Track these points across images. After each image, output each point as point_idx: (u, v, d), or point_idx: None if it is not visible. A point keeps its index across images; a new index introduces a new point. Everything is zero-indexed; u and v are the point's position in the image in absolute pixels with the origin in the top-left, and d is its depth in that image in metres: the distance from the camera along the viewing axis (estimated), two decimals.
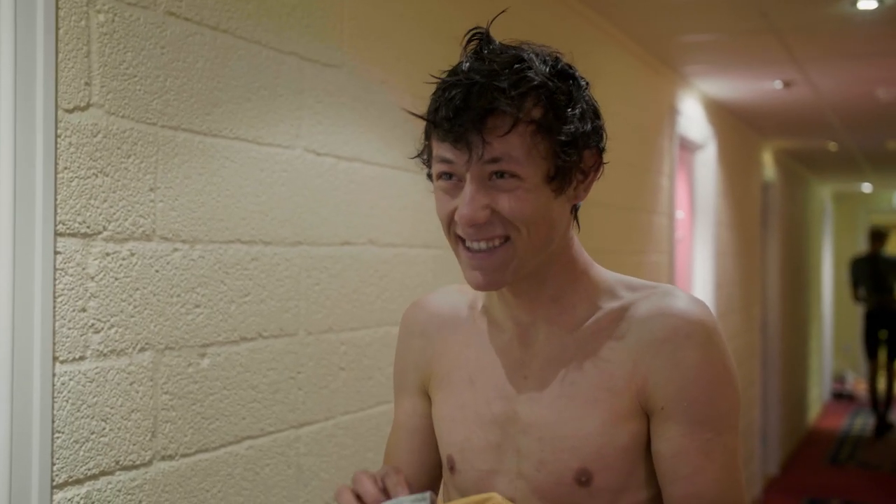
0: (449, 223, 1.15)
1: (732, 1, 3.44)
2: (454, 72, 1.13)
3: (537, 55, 1.14)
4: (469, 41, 1.16)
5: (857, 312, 12.25)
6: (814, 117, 5.95)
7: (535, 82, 1.10)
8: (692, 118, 4.90)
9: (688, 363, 1.14)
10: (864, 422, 9.79)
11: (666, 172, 4.49)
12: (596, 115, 1.17)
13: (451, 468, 1.26)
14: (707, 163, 5.28)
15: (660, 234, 4.41)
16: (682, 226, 5.01)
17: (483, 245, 1.13)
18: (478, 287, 1.17)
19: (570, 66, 1.16)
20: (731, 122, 5.91)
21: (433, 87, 1.15)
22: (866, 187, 11.70)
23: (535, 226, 1.13)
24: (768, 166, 7.25)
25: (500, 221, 1.12)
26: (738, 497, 1.16)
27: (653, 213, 4.32)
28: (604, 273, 1.24)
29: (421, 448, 1.33)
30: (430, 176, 1.18)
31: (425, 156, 1.19)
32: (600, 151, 1.18)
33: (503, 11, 1.21)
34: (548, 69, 1.12)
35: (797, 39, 3.98)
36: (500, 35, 1.17)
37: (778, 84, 4.90)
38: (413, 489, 1.10)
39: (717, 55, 4.42)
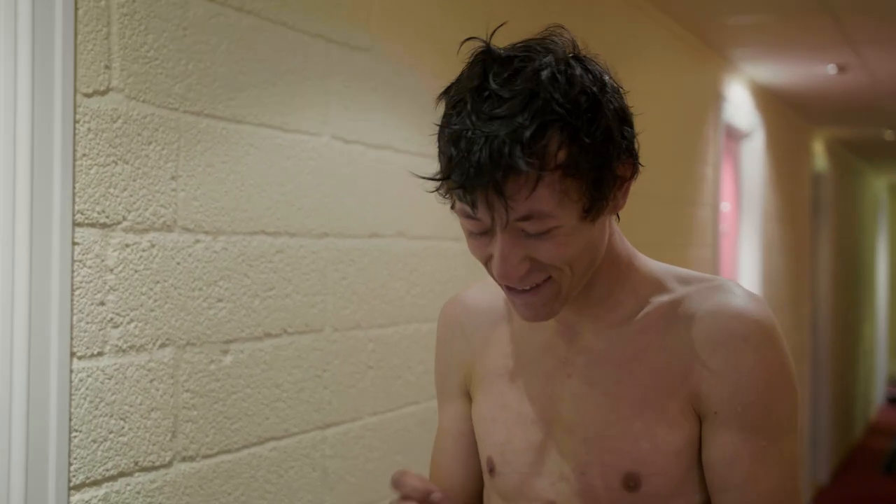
0: (485, 263, 1.11)
1: None
2: (459, 108, 1.03)
3: (548, 69, 1.03)
4: (471, 60, 1.08)
5: None
6: (869, 104, 5.88)
7: (558, 123, 1.02)
8: (739, 105, 4.86)
9: (744, 367, 1.13)
10: None
11: (710, 162, 4.46)
12: (623, 119, 1.10)
13: (491, 470, 1.25)
14: (754, 152, 5.24)
15: (703, 227, 4.38)
16: (727, 218, 4.98)
17: (527, 286, 1.11)
18: (529, 321, 1.16)
19: (585, 65, 1.07)
20: (780, 109, 5.85)
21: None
22: None
23: (579, 261, 1.11)
24: (819, 156, 7.18)
25: (541, 267, 1.08)
26: None
27: (696, 205, 4.29)
28: (650, 264, 1.23)
29: (467, 453, 1.33)
30: (452, 206, 1.11)
31: (443, 190, 1.09)
32: (634, 157, 1.12)
33: (503, 25, 1.12)
34: (564, 92, 1.03)
35: (854, 20, 3.93)
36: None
37: (832, 68, 4.85)
38: None
39: (767, 37, 4.37)
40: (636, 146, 1.12)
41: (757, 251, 5.21)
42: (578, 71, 1.05)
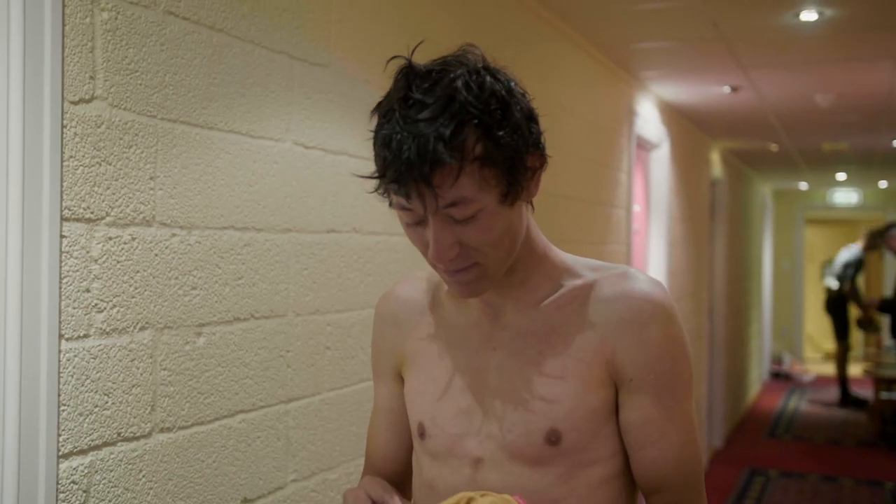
0: (425, 253, 1.14)
1: (686, 10, 3.45)
2: (388, 116, 1.06)
3: (463, 79, 1.06)
4: (396, 75, 1.10)
5: (795, 299, 12.41)
6: (757, 120, 5.99)
7: (474, 121, 1.04)
8: (648, 119, 4.92)
9: (653, 340, 1.17)
10: (798, 399, 9.92)
11: (624, 169, 4.51)
12: (530, 118, 1.12)
13: (422, 434, 1.27)
14: (661, 161, 5.31)
15: (618, 225, 4.43)
16: (638, 219, 5.04)
17: (457, 268, 1.13)
18: (463, 296, 1.19)
19: (495, 75, 1.09)
20: (683, 123, 5.94)
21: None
22: (803, 185, 11.83)
23: (501, 244, 1.13)
24: (716, 164, 7.30)
25: (468, 252, 1.11)
26: (696, 454, 1.21)
27: (612, 206, 4.34)
28: (562, 254, 1.27)
29: (398, 428, 1.36)
30: (391, 204, 1.15)
31: (381, 190, 1.13)
32: (542, 150, 1.15)
33: (421, 42, 1.14)
34: (476, 96, 1.05)
35: (744, 47, 4.00)
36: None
37: (726, 89, 4.93)
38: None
39: (671, 61, 4.43)
40: (543, 141, 1.15)
41: (663, 247, 5.28)
42: (488, 79, 1.09)
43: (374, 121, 1.12)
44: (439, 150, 1.02)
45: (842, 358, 9.48)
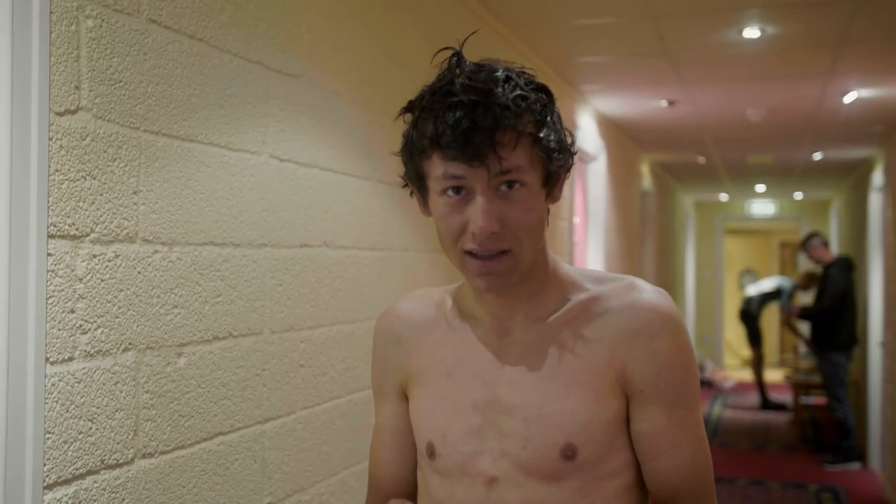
0: (456, 238, 1.13)
1: (632, 25, 3.51)
2: (446, 90, 1.10)
3: (512, 71, 1.13)
4: (448, 62, 1.13)
5: (715, 307, 12.74)
6: (690, 133, 6.14)
7: (530, 98, 1.10)
8: (587, 132, 4.98)
9: (662, 351, 1.18)
10: (721, 405, 10.17)
11: (567, 181, 4.55)
12: (561, 121, 1.18)
13: (432, 453, 1.24)
14: (598, 173, 5.38)
15: (561, 237, 4.47)
16: (577, 230, 5.09)
17: (493, 249, 1.13)
18: (484, 292, 1.18)
19: (530, 76, 1.16)
20: (618, 135, 6.04)
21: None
22: (723, 197, 12.16)
23: (535, 232, 1.15)
24: (646, 177, 7.45)
25: (505, 235, 1.12)
26: (707, 460, 1.22)
27: (556, 218, 4.37)
28: (567, 268, 1.27)
29: (402, 447, 1.33)
30: (412, 193, 1.18)
31: (413, 173, 1.16)
32: (573, 154, 1.19)
33: (474, 32, 1.20)
34: (523, 84, 1.11)
35: (686, 62, 4.09)
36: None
37: (663, 102, 5.03)
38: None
39: (612, 75, 4.50)
40: (576, 147, 1.19)
41: (601, 257, 5.35)
42: (535, 78, 1.15)
43: (403, 120, 1.14)
44: (502, 114, 1.06)
45: (758, 365, 9.76)
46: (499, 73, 1.10)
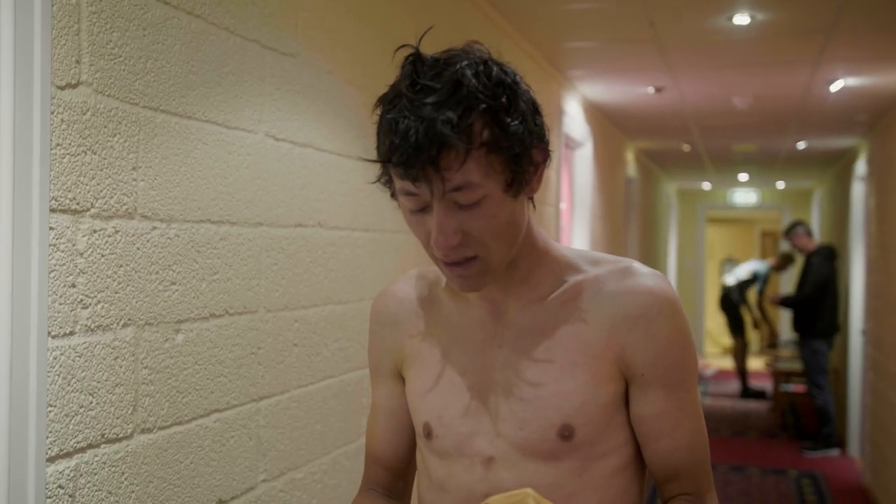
0: (426, 244, 1.14)
1: (622, 11, 3.52)
2: (395, 102, 1.06)
3: (471, 68, 1.07)
4: (403, 63, 1.09)
5: (697, 296, 12.83)
6: (676, 121, 6.17)
7: (481, 107, 1.05)
8: (574, 118, 5.00)
9: (661, 335, 1.19)
10: (702, 393, 10.26)
11: (554, 167, 4.57)
12: (535, 109, 1.13)
13: (429, 434, 1.25)
14: (584, 160, 5.40)
15: (548, 223, 4.49)
16: (563, 216, 5.11)
17: (457, 258, 1.13)
18: (463, 291, 1.18)
19: (501, 67, 1.10)
20: (604, 122, 6.06)
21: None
22: (706, 185, 12.23)
23: (503, 236, 1.13)
24: (630, 164, 7.48)
25: (470, 243, 1.11)
26: (705, 439, 1.25)
27: (542, 204, 4.39)
28: (562, 249, 1.26)
29: (398, 427, 1.34)
30: (392, 195, 1.15)
31: (384, 179, 1.14)
32: (546, 143, 1.15)
33: (430, 29, 1.16)
34: (484, 84, 1.06)
35: (675, 48, 4.11)
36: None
37: (650, 89, 5.05)
38: None
39: (600, 61, 4.52)
40: (548, 135, 1.15)
41: (586, 244, 5.37)
42: (495, 69, 1.09)
43: (378, 110, 1.11)
44: (447, 134, 1.02)
45: (741, 353, 9.85)
46: (456, 75, 1.05)
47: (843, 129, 6.31)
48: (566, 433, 1.17)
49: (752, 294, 10.03)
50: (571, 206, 5.35)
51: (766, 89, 5.01)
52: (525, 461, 1.19)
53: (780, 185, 11.73)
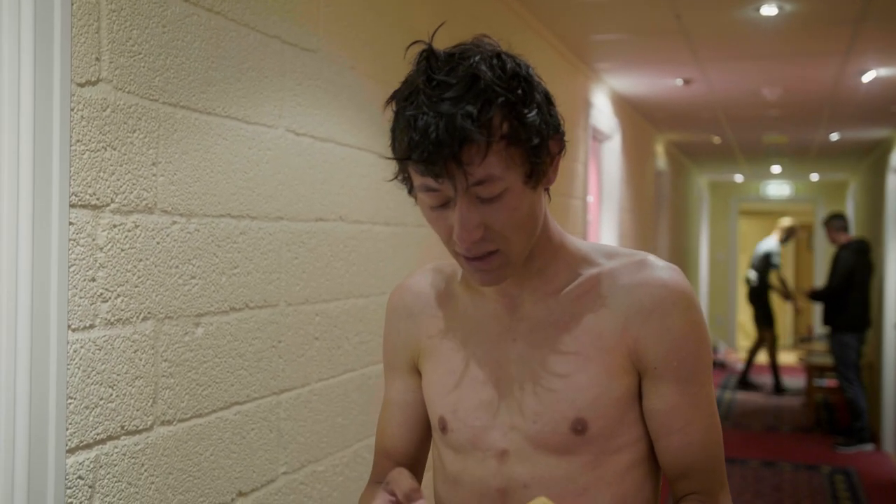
0: (446, 240, 1.13)
1: (648, 2, 3.50)
2: (412, 99, 1.05)
3: (485, 62, 1.06)
4: (417, 58, 1.08)
5: (729, 289, 12.71)
6: (705, 113, 6.12)
7: (500, 100, 1.05)
8: (602, 110, 4.97)
9: (675, 328, 1.17)
10: (735, 387, 10.18)
11: (581, 160, 4.55)
12: (549, 100, 1.13)
13: (444, 428, 1.25)
14: (613, 152, 5.37)
15: (575, 216, 4.48)
16: (591, 209, 5.09)
17: (479, 253, 1.12)
18: (483, 285, 1.18)
19: (514, 59, 1.10)
20: (632, 115, 6.02)
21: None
22: (738, 177, 12.11)
23: (524, 228, 1.13)
24: (660, 157, 7.43)
25: (492, 237, 1.10)
26: (718, 436, 1.22)
27: (569, 196, 4.38)
28: (577, 242, 1.26)
29: (411, 422, 1.34)
30: (410, 191, 1.14)
31: (402, 176, 1.13)
32: (561, 134, 1.14)
33: (442, 24, 1.14)
34: (500, 77, 1.06)
35: (703, 40, 4.08)
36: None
37: (679, 81, 5.02)
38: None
39: (628, 53, 4.49)
40: (563, 126, 1.14)
41: (615, 238, 5.35)
42: (509, 62, 1.09)
43: (391, 108, 1.10)
44: (468, 128, 1.02)
45: (771, 346, 9.76)
46: (471, 69, 1.05)
47: (877, 120, 6.22)
48: (579, 427, 1.17)
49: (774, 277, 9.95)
50: (599, 199, 5.33)
51: (796, 80, 4.96)
52: (538, 455, 1.19)
53: (814, 177, 11.59)
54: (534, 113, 1.08)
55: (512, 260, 1.14)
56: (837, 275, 7.04)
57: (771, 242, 9.66)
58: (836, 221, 7.33)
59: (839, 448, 7.11)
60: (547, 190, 1.19)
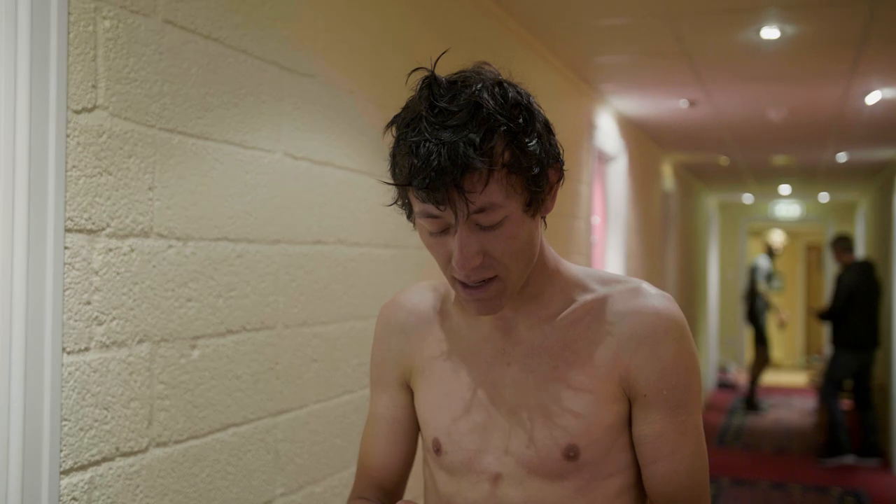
0: (444, 266, 1.14)
1: (650, 25, 3.52)
2: (414, 125, 1.06)
3: (487, 90, 1.07)
4: (419, 85, 1.09)
5: (738, 309, 12.66)
6: (711, 134, 6.12)
7: (502, 129, 1.06)
8: (607, 132, 4.99)
9: (667, 357, 1.18)
10: (742, 408, 10.12)
11: (585, 181, 4.56)
12: (549, 130, 1.14)
13: (437, 450, 1.26)
14: (618, 173, 5.38)
15: (579, 237, 4.48)
16: (597, 230, 5.10)
17: (478, 279, 1.13)
18: (479, 314, 1.18)
19: (516, 88, 1.11)
20: (639, 136, 6.04)
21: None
22: (748, 198, 12.09)
23: (522, 255, 1.14)
24: (668, 177, 7.43)
25: (491, 264, 1.11)
26: (704, 463, 1.23)
27: (573, 217, 4.39)
28: (573, 268, 1.26)
29: (399, 438, 1.34)
30: (409, 216, 1.15)
31: (401, 201, 1.14)
32: (561, 164, 1.15)
33: (445, 52, 1.15)
34: (502, 105, 1.07)
35: (705, 62, 4.09)
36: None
37: (683, 103, 5.03)
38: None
39: (631, 75, 4.51)
40: (562, 155, 1.15)
41: (620, 258, 5.35)
42: (510, 90, 1.10)
43: (392, 132, 1.11)
44: (470, 156, 1.03)
45: (758, 364, 9.76)
46: (472, 97, 1.05)
47: (884, 140, 6.22)
48: (571, 453, 1.18)
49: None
50: (605, 220, 5.34)
51: (801, 102, 4.96)
52: (531, 479, 1.20)
53: (824, 197, 11.56)
54: (535, 142, 1.09)
55: (509, 287, 1.15)
56: (839, 295, 7.21)
57: (761, 258, 9.75)
58: (841, 243, 7.47)
59: (821, 461, 7.30)
60: (543, 217, 1.20)
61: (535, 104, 1.13)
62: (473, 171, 1.04)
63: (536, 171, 1.09)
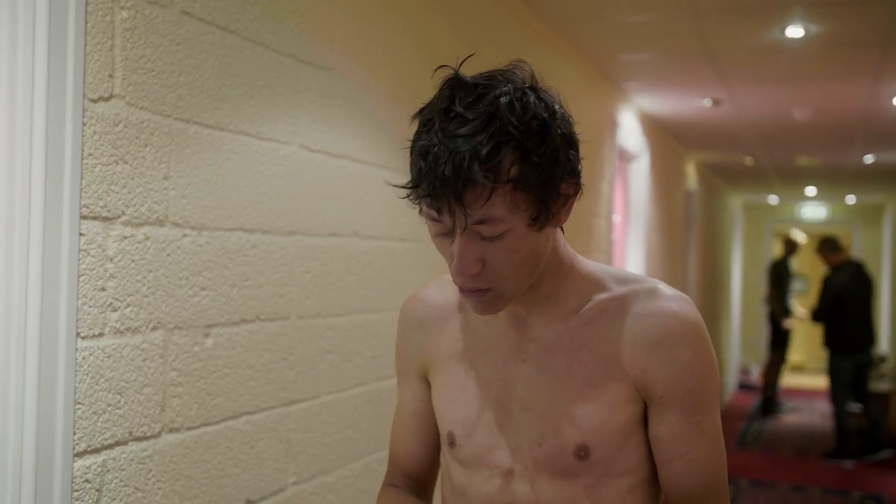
0: (450, 265, 1.14)
1: (674, 23, 3.50)
2: (428, 126, 1.06)
3: (508, 98, 1.05)
4: (442, 85, 1.08)
5: (760, 310, 12.57)
6: (736, 133, 6.08)
7: (512, 143, 1.03)
8: (629, 130, 4.97)
9: (683, 360, 1.17)
10: (762, 410, 10.05)
11: (606, 179, 4.55)
12: (569, 144, 1.11)
13: (452, 443, 1.27)
14: (640, 172, 5.36)
15: (600, 235, 4.47)
16: (617, 228, 5.09)
17: (473, 287, 1.13)
18: (479, 313, 1.18)
19: (540, 96, 1.08)
20: (662, 135, 6.01)
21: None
22: (773, 199, 11.99)
23: (521, 267, 1.13)
24: (691, 177, 7.39)
25: (488, 274, 1.11)
26: (722, 462, 1.22)
27: (594, 216, 4.38)
28: (590, 265, 1.25)
29: (422, 429, 1.36)
30: (421, 211, 1.14)
31: (413, 197, 1.12)
32: (577, 177, 1.13)
33: (471, 55, 1.12)
34: (518, 116, 1.04)
35: (729, 61, 4.07)
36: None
37: (707, 102, 5.00)
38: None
39: (655, 73, 4.49)
40: (580, 168, 1.13)
41: (641, 257, 5.34)
42: (533, 99, 1.07)
43: (414, 126, 1.10)
44: (474, 170, 1.01)
45: (774, 366, 9.69)
46: (490, 106, 1.04)
47: None
48: (582, 453, 1.18)
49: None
50: (626, 218, 5.32)
51: (826, 102, 4.92)
52: (542, 476, 1.20)
53: (851, 199, 11.44)
54: (547, 158, 1.06)
55: (506, 296, 1.15)
56: (825, 297, 7.28)
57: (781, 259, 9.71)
58: (827, 244, 7.65)
59: (823, 459, 7.44)
60: (559, 227, 1.19)
61: (560, 114, 1.10)
62: (476, 185, 1.03)
63: (545, 187, 1.07)
